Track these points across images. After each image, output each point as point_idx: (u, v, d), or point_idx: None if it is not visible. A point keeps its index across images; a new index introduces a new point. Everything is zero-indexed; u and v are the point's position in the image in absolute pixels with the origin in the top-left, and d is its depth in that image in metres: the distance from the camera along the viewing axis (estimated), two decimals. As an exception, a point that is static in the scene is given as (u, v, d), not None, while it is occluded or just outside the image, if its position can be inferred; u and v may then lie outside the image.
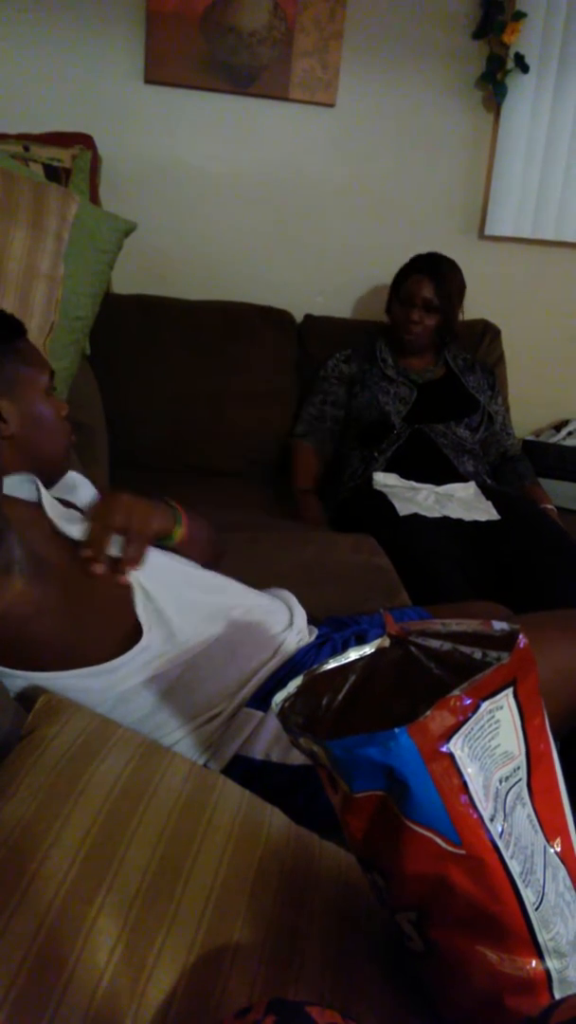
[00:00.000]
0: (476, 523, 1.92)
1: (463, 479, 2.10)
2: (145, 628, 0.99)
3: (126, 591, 1.00)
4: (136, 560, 0.99)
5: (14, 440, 1.04)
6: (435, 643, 0.68)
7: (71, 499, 1.12)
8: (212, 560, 1.21)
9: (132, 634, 0.99)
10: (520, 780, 0.60)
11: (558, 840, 0.63)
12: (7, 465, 1.04)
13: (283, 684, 0.69)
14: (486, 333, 2.57)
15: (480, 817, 0.56)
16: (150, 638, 0.99)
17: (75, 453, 1.52)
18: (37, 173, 1.91)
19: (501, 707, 0.58)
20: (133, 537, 0.99)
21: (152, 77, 2.36)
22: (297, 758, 0.98)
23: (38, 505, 1.02)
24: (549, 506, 2.16)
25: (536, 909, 0.58)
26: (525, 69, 2.47)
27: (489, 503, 2.00)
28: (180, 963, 0.60)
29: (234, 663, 1.04)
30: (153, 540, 1.04)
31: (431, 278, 2.19)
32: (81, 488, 1.16)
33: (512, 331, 2.63)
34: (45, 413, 1.08)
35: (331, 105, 2.48)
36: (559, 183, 2.63)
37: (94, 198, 2.15)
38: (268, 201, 2.55)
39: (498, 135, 2.57)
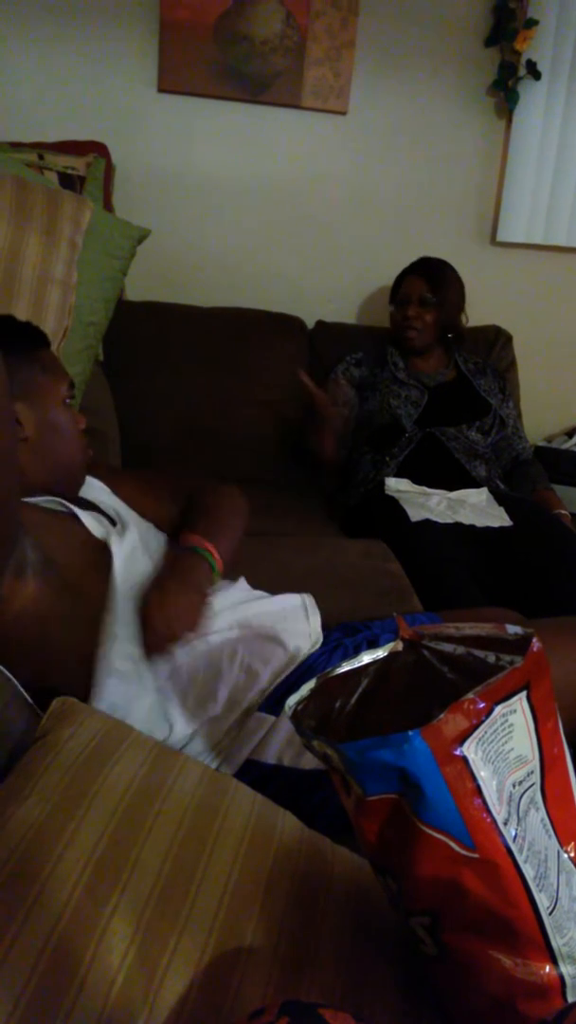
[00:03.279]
0: (488, 529, 1.91)
1: (475, 484, 2.09)
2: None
3: None
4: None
5: (30, 445, 1.05)
6: (448, 647, 0.68)
7: (87, 496, 1.13)
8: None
9: None
10: (534, 784, 0.60)
11: (572, 845, 0.63)
12: (25, 473, 1.04)
13: (295, 688, 0.69)
14: (498, 339, 2.57)
15: (494, 821, 0.56)
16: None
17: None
18: (52, 181, 1.92)
19: (515, 711, 0.58)
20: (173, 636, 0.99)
21: (165, 86, 2.38)
22: (309, 762, 0.98)
23: (53, 511, 1.02)
24: (563, 512, 2.15)
25: (550, 914, 0.58)
26: (537, 76, 2.48)
27: (501, 509, 1.99)
28: (193, 965, 0.60)
29: (248, 675, 1.05)
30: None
31: (423, 276, 2.24)
32: (92, 486, 1.17)
33: (524, 337, 2.63)
34: (62, 421, 1.08)
35: (343, 113, 2.49)
36: (571, 189, 2.63)
37: (108, 205, 2.17)
38: (280, 208, 2.56)
39: (510, 142, 2.57)
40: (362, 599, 1.45)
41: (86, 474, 1.15)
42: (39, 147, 2.06)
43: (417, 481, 2.08)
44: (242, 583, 1.20)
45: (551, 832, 0.61)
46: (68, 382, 1.11)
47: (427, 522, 1.88)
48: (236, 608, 1.10)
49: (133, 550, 1.05)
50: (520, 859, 0.57)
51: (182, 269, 2.54)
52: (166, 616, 0.96)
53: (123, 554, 1.02)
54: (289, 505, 2.19)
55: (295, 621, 1.15)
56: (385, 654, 0.71)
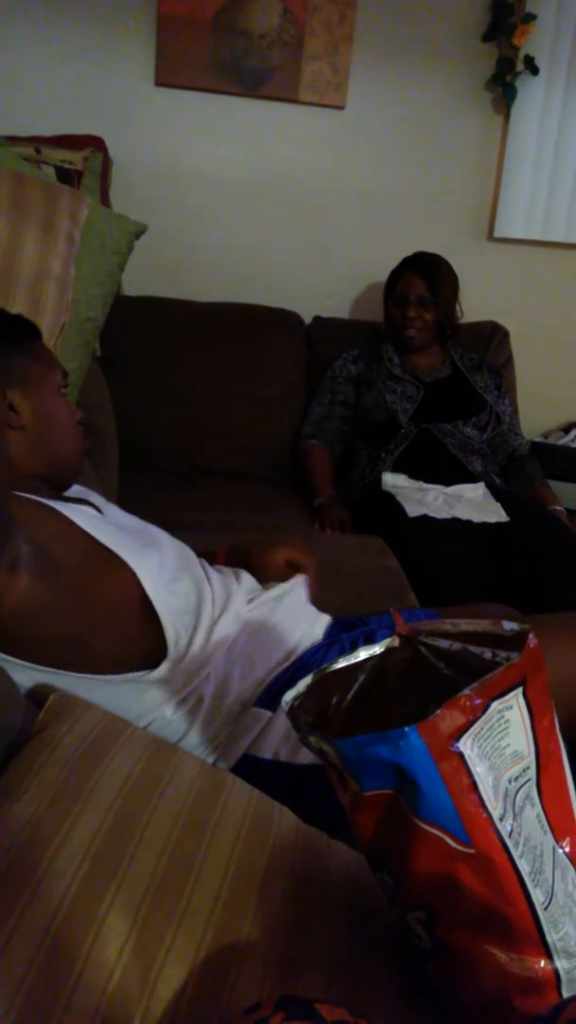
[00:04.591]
0: (485, 524, 1.92)
1: (472, 479, 2.10)
2: (170, 658, 0.99)
3: (146, 604, 0.99)
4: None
5: (26, 434, 1.04)
6: (444, 643, 0.68)
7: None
8: None
9: (154, 650, 0.99)
10: (529, 780, 0.60)
11: (567, 840, 0.63)
12: (22, 461, 1.03)
13: (291, 683, 0.69)
14: (494, 335, 2.57)
15: (489, 816, 0.56)
16: (169, 669, 0.99)
17: (87, 458, 1.51)
18: (49, 175, 1.92)
19: (511, 707, 0.58)
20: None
21: (163, 80, 2.37)
22: (305, 757, 0.98)
23: (47, 505, 1.02)
24: (558, 508, 2.16)
25: (545, 909, 0.58)
26: (535, 71, 2.47)
27: (498, 504, 2.00)
28: (189, 961, 0.60)
29: (251, 676, 1.05)
30: None
31: (421, 275, 2.23)
32: (91, 497, 1.16)
33: (521, 333, 2.63)
34: (57, 410, 1.08)
35: (341, 107, 2.48)
36: (569, 185, 2.63)
37: (105, 200, 2.16)
38: (277, 203, 2.55)
39: (508, 137, 2.57)
40: (359, 595, 1.45)
41: (83, 466, 1.15)
42: (36, 141, 2.06)
43: (414, 476, 2.08)
44: (246, 577, 1.19)
45: (546, 828, 0.61)
46: (62, 371, 1.11)
47: (424, 518, 1.88)
48: (234, 598, 1.10)
49: (143, 544, 1.05)
50: (516, 854, 0.57)
51: (180, 264, 2.54)
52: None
53: (131, 550, 1.01)
54: (286, 500, 2.19)
55: (299, 618, 1.15)
56: (381, 650, 0.71)
